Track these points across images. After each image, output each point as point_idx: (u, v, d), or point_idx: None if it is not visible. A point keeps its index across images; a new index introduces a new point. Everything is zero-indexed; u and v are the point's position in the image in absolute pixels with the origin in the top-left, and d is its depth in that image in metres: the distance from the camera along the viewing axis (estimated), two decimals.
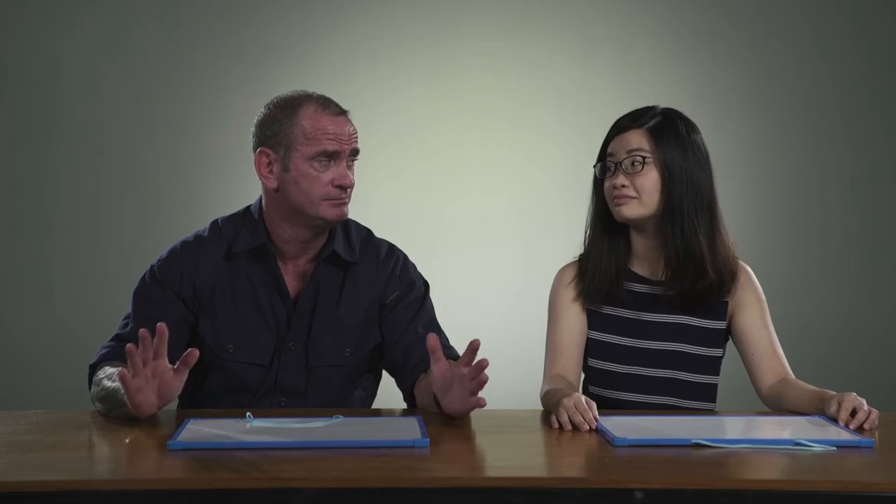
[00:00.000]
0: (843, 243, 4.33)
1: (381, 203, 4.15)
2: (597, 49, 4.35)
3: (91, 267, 4.23)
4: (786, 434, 1.92)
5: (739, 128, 4.33)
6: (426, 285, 2.41)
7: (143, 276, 2.31)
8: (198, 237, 2.34)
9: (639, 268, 2.36)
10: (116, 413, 2.03)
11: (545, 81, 4.33)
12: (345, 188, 2.23)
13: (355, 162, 2.29)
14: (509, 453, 1.81)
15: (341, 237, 2.34)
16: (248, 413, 1.98)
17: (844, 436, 1.89)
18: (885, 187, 4.36)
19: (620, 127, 2.30)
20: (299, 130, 2.22)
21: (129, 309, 2.30)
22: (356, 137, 2.27)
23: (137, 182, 4.25)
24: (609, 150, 2.30)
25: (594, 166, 2.33)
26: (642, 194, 2.26)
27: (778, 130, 4.37)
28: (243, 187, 4.17)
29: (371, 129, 4.40)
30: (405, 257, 2.42)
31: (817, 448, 1.80)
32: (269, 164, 2.25)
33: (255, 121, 2.31)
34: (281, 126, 2.24)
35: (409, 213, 4.24)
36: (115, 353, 2.20)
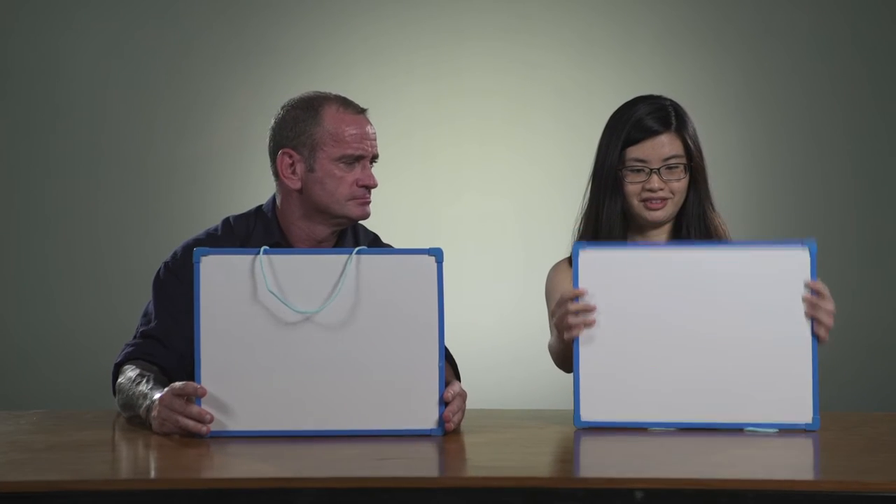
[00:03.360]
0: (844, 243, 4.33)
1: (380, 203, 4.11)
2: (597, 49, 4.35)
3: (91, 267, 4.23)
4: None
5: (739, 128, 4.33)
6: None
7: (158, 273, 2.28)
8: (210, 235, 2.33)
9: None
10: (135, 421, 2.04)
11: (545, 81, 4.33)
12: (370, 188, 2.31)
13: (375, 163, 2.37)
14: (509, 453, 1.81)
15: (350, 238, 2.38)
16: (262, 248, 1.96)
17: (787, 417, 1.97)
18: (886, 187, 4.36)
19: (649, 130, 2.28)
20: (324, 131, 2.26)
21: (148, 305, 2.28)
22: (376, 141, 2.35)
23: (137, 182, 4.25)
24: (640, 155, 2.27)
25: (620, 170, 2.29)
26: (676, 195, 2.29)
27: (778, 130, 4.37)
28: (243, 187, 4.18)
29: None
30: None
31: (762, 431, 1.94)
32: (292, 164, 2.28)
33: (272, 123, 2.32)
34: (304, 126, 2.27)
35: (408, 212, 4.24)
36: (141, 350, 2.19)
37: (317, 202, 2.27)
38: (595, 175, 2.35)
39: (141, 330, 2.24)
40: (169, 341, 2.18)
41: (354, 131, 2.28)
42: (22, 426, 2.01)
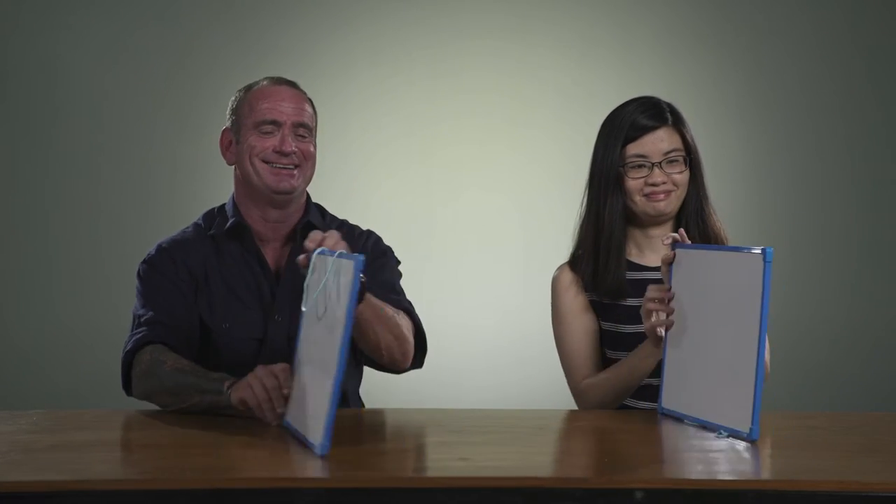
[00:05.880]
0: (844, 243, 4.33)
1: (380, 202, 4.15)
2: (597, 49, 4.34)
3: (91, 267, 4.23)
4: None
5: (739, 128, 4.33)
6: (398, 262, 2.46)
7: (139, 271, 2.35)
8: (182, 232, 2.42)
9: (637, 257, 2.38)
10: (193, 401, 2.05)
11: (545, 81, 4.33)
12: (284, 154, 2.30)
13: (308, 138, 2.35)
14: (509, 453, 1.81)
15: (316, 214, 2.41)
16: None
17: (729, 422, 1.91)
18: (886, 187, 4.36)
19: (646, 126, 2.31)
20: (246, 104, 2.35)
21: (135, 304, 2.32)
22: (302, 111, 2.35)
23: (137, 182, 4.25)
24: (640, 151, 2.30)
25: (620, 167, 2.31)
26: (679, 188, 2.32)
27: (778, 130, 4.37)
28: None
29: (371, 129, 4.42)
30: (381, 238, 2.47)
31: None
32: (229, 142, 2.38)
33: None
34: (237, 105, 2.38)
35: (408, 212, 4.24)
36: (152, 334, 2.22)
37: (244, 175, 2.34)
38: (593, 177, 2.37)
39: (142, 319, 2.27)
40: (170, 322, 2.24)
41: (271, 98, 2.33)
42: (22, 426, 2.01)
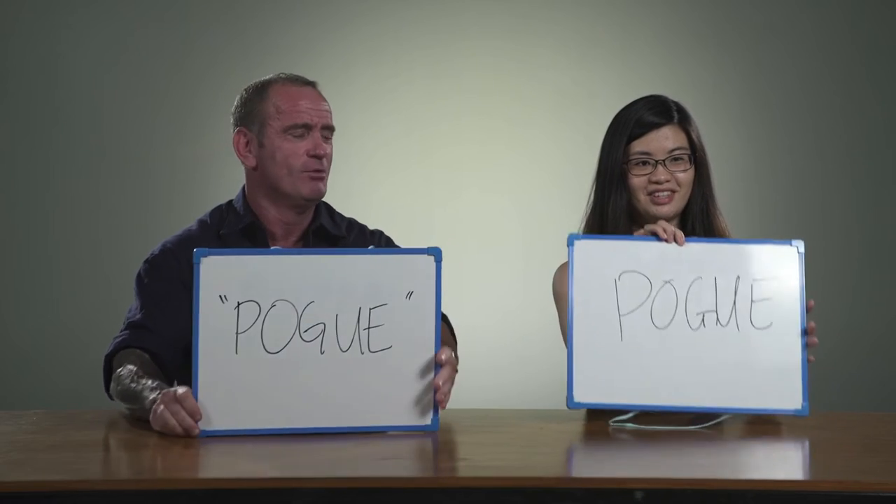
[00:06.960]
0: (844, 243, 4.33)
1: (380, 202, 4.15)
2: (597, 49, 4.35)
3: (91, 267, 4.23)
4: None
5: (739, 128, 4.33)
6: None
7: (139, 271, 2.32)
8: (187, 231, 2.38)
9: None
10: (139, 413, 2.03)
11: (545, 81, 4.33)
12: (320, 158, 2.29)
13: (331, 139, 2.35)
14: (509, 453, 1.81)
15: (326, 215, 2.40)
16: (264, 248, 1.97)
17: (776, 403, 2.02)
18: (886, 187, 4.36)
19: (651, 124, 2.31)
20: (270, 105, 2.31)
21: (132, 304, 2.30)
22: (328, 113, 2.34)
23: (137, 182, 4.25)
24: (644, 148, 2.30)
25: (624, 164, 2.31)
26: (682, 187, 2.31)
27: (778, 130, 4.37)
28: None
29: (371, 128, 4.43)
30: (391, 238, 2.47)
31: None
32: (247, 143, 2.33)
33: (231, 109, 2.39)
34: (253, 105, 2.33)
35: (408, 212, 4.24)
36: (131, 338, 2.20)
37: (270, 178, 2.30)
38: (599, 174, 2.37)
39: (128, 321, 2.26)
40: (156, 327, 2.20)
41: (298, 101, 2.31)
42: (22, 426, 2.01)
